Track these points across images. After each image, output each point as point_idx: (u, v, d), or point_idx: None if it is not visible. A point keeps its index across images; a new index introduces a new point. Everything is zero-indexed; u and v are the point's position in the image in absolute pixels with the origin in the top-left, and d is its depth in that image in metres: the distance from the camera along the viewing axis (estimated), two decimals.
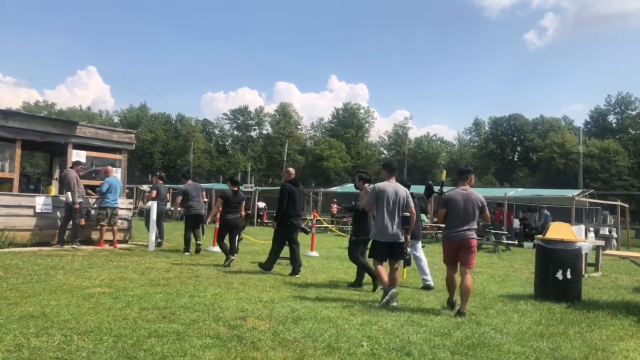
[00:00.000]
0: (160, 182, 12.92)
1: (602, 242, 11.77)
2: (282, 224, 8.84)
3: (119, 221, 12.04)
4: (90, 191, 12.04)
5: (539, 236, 8.27)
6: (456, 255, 6.24)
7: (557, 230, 7.90)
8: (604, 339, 5.14)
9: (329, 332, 4.80)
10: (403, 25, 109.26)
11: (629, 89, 74.38)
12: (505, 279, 9.62)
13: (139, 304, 5.62)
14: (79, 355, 3.79)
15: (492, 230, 17.52)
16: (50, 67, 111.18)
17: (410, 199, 6.69)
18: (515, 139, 69.31)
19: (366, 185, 7.85)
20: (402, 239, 6.50)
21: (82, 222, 11.30)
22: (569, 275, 7.20)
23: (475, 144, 73.74)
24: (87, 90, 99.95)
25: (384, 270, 6.47)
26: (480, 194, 6.51)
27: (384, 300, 6.21)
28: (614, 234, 20.09)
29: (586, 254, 9.67)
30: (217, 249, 11.44)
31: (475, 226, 6.30)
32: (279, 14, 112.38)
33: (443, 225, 6.67)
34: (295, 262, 8.76)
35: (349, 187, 31.26)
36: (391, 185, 6.63)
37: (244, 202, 10.37)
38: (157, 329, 4.60)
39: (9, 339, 4.09)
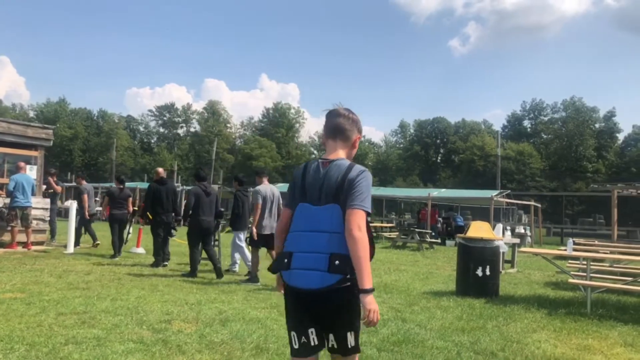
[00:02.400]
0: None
1: (517, 240, 12.47)
2: (154, 221, 9.57)
3: (34, 222, 11.29)
4: None
5: (461, 235, 8.64)
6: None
7: (478, 229, 8.28)
8: (518, 331, 5.45)
9: (257, 332, 4.76)
10: (334, 26, 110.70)
11: (542, 96, 79.47)
12: (428, 276, 9.96)
13: (56, 309, 5.32)
14: None
15: (417, 229, 18.10)
16: None
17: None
18: (438, 141, 72.03)
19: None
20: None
21: None
22: (488, 272, 7.56)
23: (401, 145, 75.90)
24: None
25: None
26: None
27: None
28: (528, 232, 21.32)
29: (503, 252, 10.20)
30: (141, 250, 11.06)
31: None
32: (208, 9, 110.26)
33: None
34: (158, 254, 9.44)
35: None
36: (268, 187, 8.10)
37: (129, 199, 11.36)
38: (76, 334, 4.38)
39: None
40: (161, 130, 76.79)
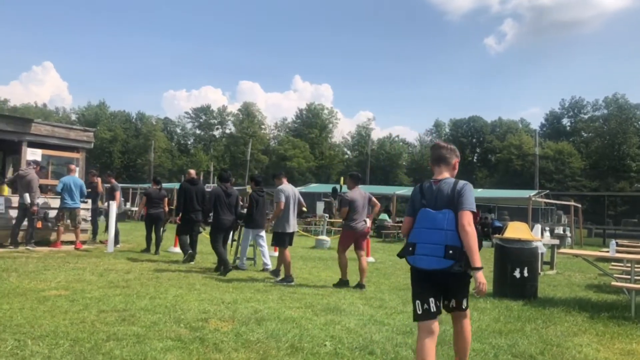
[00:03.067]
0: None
1: (557, 241, 12.15)
2: (184, 219, 9.94)
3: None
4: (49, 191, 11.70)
5: (498, 235, 8.49)
6: (353, 241, 7.81)
7: (515, 230, 8.12)
8: (558, 334, 5.31)
9: (292, 332, 4.79)
10: (367, 26, 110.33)
11: (581, 94, 77.41)
12: None
13: (98, 307, 5.48)
14: None
15: None
16: (2, 61, 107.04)
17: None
18: (474, 140, 70.91)
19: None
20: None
21: (39, 225, 10.91)
22: (526, 274, 7.41)
23: None
24: (43, 87, 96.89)
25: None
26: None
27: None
28: (568, 233, 20.76)
29: (542, 253, 9.97)
30: (178, 249, 11.27)
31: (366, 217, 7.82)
32: (243, 13, 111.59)
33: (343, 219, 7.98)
34: (185, 249, 9.94)
35: (313, 187, 31.35)
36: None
37: (165, 199, 11.87)
38: (116, 331, 4.50)
39: None
40: (197, 132, 78.09)
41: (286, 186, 8.36)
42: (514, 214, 26.80)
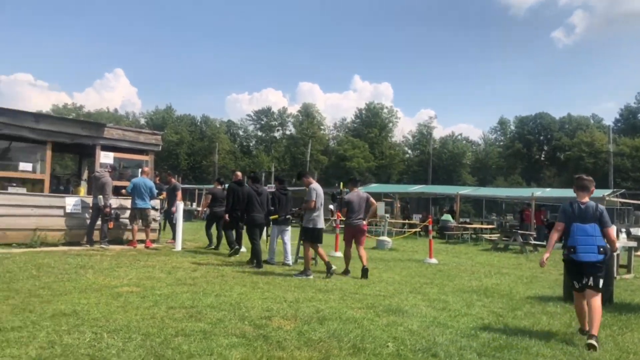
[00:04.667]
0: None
1: (634, 243, 11.46)
2: (231, 216, 10.74)
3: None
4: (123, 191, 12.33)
5: None
6: (353, 237, 8.99)
7: None
8: (636, 342, 5.01)
9: (354, 332, 4.79)
10: (428, 23, 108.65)
11: None
12: (532, 280, 9.46)
13: (167, 303, 5.70)
14: (109, 353, 3.87)
15: (519, 231, 17.24)
16: (79, 70, 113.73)
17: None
18: (542, 138, 68.20)
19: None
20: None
21: (111, 225, 11.52)
22: None
23: (501, 143, 72.73)
24: (115, 93, 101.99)
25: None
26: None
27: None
28: None
29: (618, 256, 9.44)
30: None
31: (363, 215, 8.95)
32: (301, 15, 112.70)
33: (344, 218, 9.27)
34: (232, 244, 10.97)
35: (373, 187, 31.17)
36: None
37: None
38: (184, 327, 4.66)
39: (43, 336, 4.19)
40: (259, 133, 79.65)
41: (317, 185, 8.86)
42: None
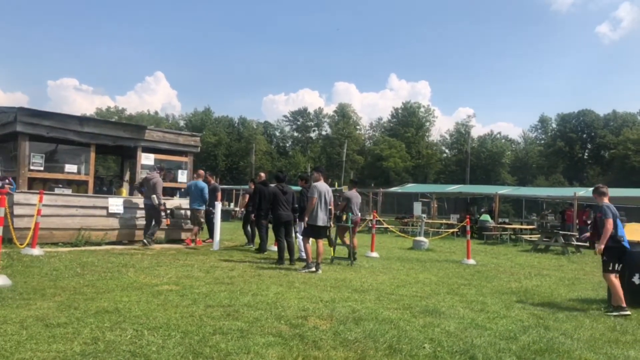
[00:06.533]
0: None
1: None
2: (257, 215, 11.26)
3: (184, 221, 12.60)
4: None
5: None
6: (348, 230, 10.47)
7: (633, 232, 7.47)
8: None
9: (390, 333, 4.77)
10: (466, 20, 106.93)
11: None
12: (575, 282, 9.20)
13: (205, 302, 5.80)
14: (150, 350, 3.97)
15: (561, 232, 16.77)
16: (121, 74, 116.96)
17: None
18: (585, 135, 66.10)
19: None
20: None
21: (167, 222, 12.08)
22: None
23: (542, 141, 70.90)
24: (155, 96, 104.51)
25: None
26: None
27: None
28: None
29: None
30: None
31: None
32: (337, 15, 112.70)
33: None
34: (263, 241, 11.64)
35: (410, 187, 30.92)
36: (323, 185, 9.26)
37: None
38: (222, 326, 4.73)
39: (87, 332, 4.34)
40: (295, 134, 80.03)
41: (321, 183, 9.25)
42: (632, 215, 24.61)
